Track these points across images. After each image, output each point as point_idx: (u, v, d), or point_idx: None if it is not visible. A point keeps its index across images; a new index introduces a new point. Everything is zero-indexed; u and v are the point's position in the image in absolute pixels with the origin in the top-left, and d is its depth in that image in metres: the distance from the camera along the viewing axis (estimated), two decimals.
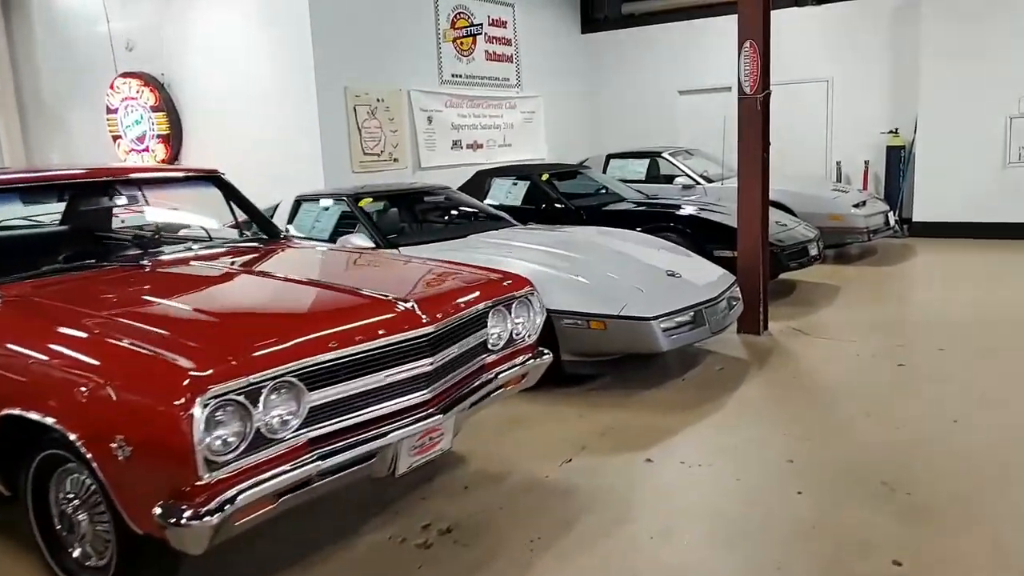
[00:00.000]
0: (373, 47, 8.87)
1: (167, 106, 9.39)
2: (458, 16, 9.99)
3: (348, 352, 2.56)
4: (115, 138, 9.93)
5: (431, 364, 2.83)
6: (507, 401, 3.64)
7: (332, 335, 2.59)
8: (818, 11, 10.70)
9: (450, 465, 3.79)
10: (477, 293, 3.27)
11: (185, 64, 9.27)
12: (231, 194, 4.39)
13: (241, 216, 4.38)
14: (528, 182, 7.78)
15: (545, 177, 7.77)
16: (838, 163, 10.76)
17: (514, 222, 6.22)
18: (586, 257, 5.07)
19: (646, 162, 9.66)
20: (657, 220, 7.05)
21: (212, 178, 4.43)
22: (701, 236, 6.76)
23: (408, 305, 2.85)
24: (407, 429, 2.74)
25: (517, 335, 3.48)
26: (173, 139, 9.47)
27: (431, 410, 2.83)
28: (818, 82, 10.81)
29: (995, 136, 9.55)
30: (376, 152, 8.96)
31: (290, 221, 6.01)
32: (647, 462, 3.73)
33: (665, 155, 9.53)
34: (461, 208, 6.46)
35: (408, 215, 6.07)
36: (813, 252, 7.05)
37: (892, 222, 8.99)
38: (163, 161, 9.55)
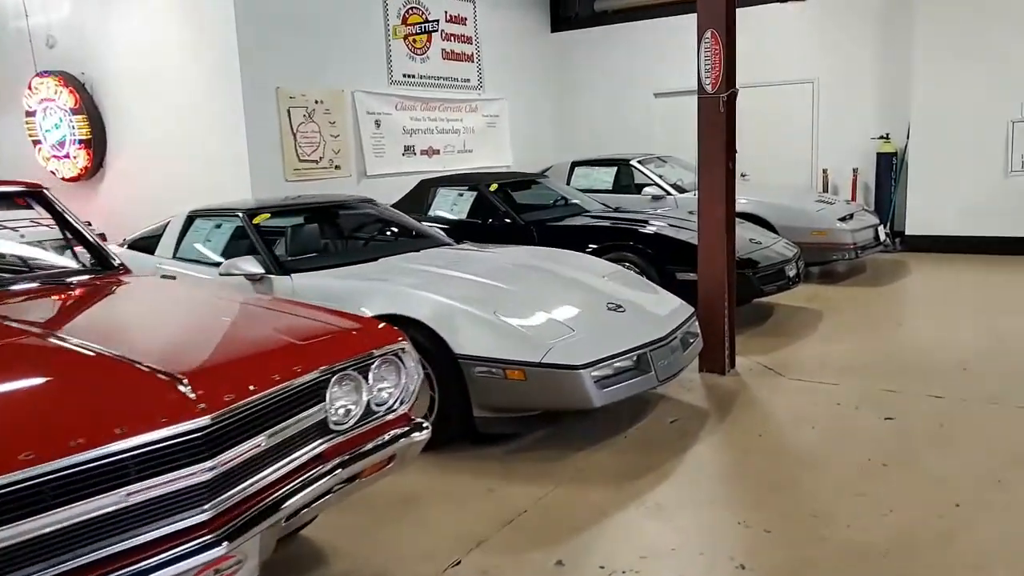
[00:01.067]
0: (311, 44, 8.04)
1: (88, 109, 8.54)
2: (410, 11, 9.16)
3: (47, 470, 1.72)
4: (35, 143, 9.08)
5: (210, 470, 1.99)
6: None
7: (31, 439, 1.75)
8: (801, 5, 9.88)
9: (300, 569, 2.95)
10: (309, 355, 2.43)
11: (107, 62, 8.43)
12: (55, 214, 3.56)
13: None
14: (475, 193, 6.96)
15: (494, 188, 6.94)
16: (824, 171, 9.94)
17: (447, 240, 5.39)
18: (514, 287, 4.23)
19: (613, 171, 8.83)
20: (614, 237, 6.23)
21: (34, 194, 3.60)
22: (663, 256, 5.93)
23: (183, 387, 2.01)
24: (167, 572, 1.89)
25: (380, 405, 2.65)
26: (95, 145, 8.61)
27: (209, 537, 1.99)
28: (802, 83, 10.00)
29: (995, 142, 8.74)
30: (314, 159, 8.12)
31: (180, 241, 5.17)
32: (557, 565, 2.88)
33: (634, 163, 8.72)
34: (384, 225, 5.62)
35: (316, 234, 5.22)
36: (791, 273, 6.22)
37: (883, 237, 8.17)
38: (84, 169, 8.70)
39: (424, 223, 6.67)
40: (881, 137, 9.58)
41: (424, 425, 2.81)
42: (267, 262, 4.55)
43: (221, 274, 4.51)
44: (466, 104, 10.01)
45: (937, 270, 8.30)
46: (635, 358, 3.92)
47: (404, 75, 9.13)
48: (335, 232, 5.26)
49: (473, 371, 3.74)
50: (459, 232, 6.70)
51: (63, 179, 8.90)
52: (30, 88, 8.82)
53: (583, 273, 4.77)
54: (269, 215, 4.97)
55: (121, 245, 5.59)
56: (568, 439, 4.04)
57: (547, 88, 11.42)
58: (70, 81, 8.54)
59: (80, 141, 8.60)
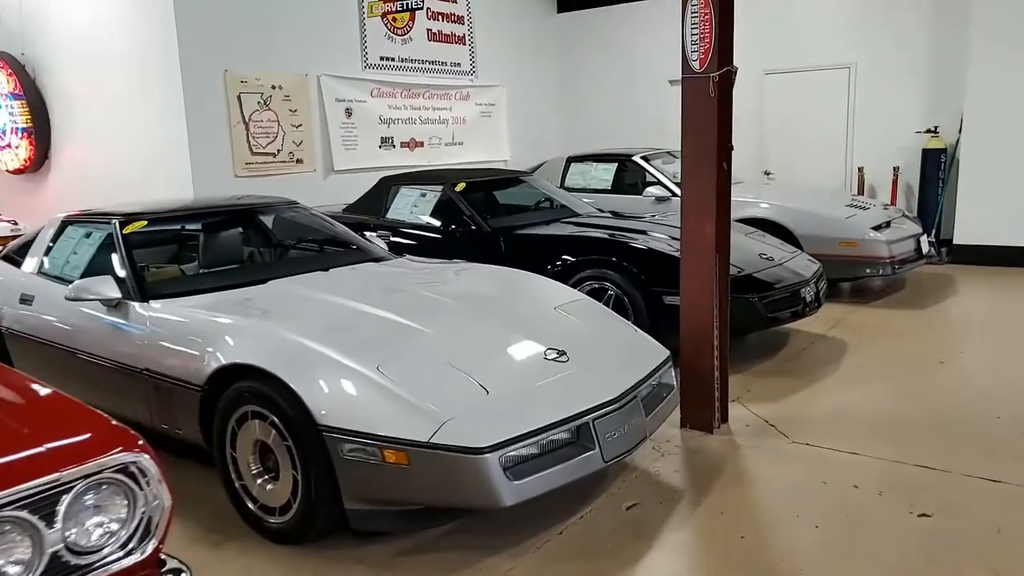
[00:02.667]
0: (267, 22, 7.09)
1: (29, 94, 7.72)
2: None
3: None
4: None
5: None
6: None
7: None
8: None
9: None
10: None
11: (47, 41, 7.59)
12: None
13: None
14: (439, 194, 5.94)
15: (460, 187, 5.90)
16: (860, 170, 8.70)
17: (380, 255, 4.39)
18: (428, 327, 3.21)
19: (613, 167, 7.73)
20: (594, 251, 5.16)
21: None
22: (650, 275, 4.86)
23: None
24: None
25: (89, 552, 1.68)
26: (38, 134, 7.81)
27: None
28: (837, 69, 8.76)
29: None
30: (270, 152, 7.18)
31: (47, 253, 4.25)
32: None
33: (637, 159, 7.60)
34: (302, 236, 4.64)
35: (204, 248, 4.26)
36: (809, 297, 5.09)
37: (926, 248, 6.95)
38: (28, 160, 7.89)
39: (376, 229, 5.73)
40: (928, 131, 8.30)
41: (181, 571, 1.82)
42: (127, 282, 3.60)
43: (68, 298, 3.57)
44: (456, 91, 8.99)
45: (991, 288, 7.05)
46: (572, 431, 2.87)
47: (382, 58, 8.14)
48: (231, 245, 4.28)
49: (341, 448, 2.73)
50: (419, 240, 5.75)
51: (7, 171, 8.11)
52: None
53: (529, 304, 3.74)
54: (146, 223, 4.01)
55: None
56: (481, 536, 3.01)
57: (551, 74, 10.33)
58: (9, 63, 7.73)
59: (22, 130, 7.79)
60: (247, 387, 2.95)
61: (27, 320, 4.03)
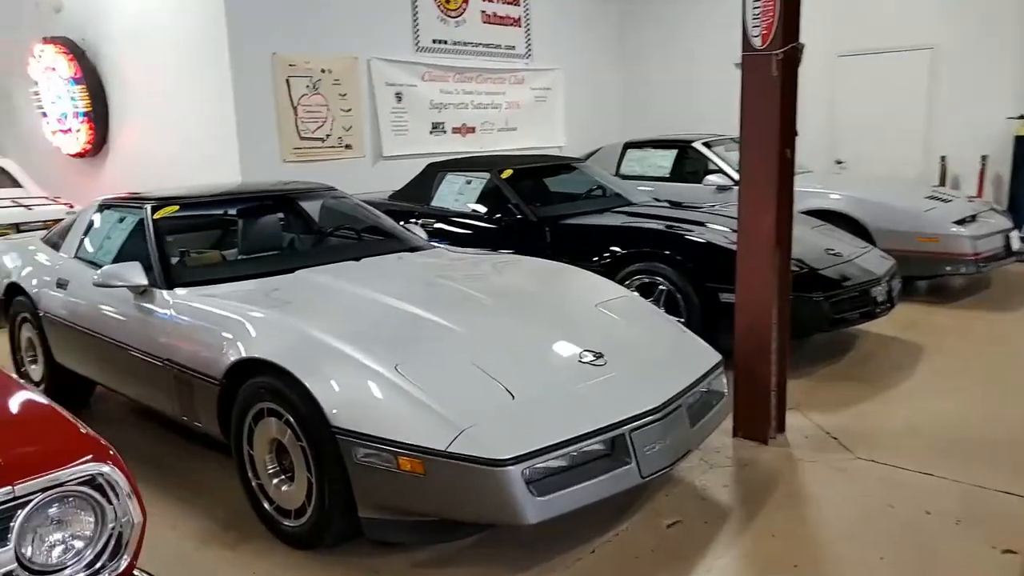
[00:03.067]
0: (317, 4, 6.96)
1: (89, 78, 7.79)
2: None
3: None
4: (43, 115, 8.44)
5: None
6: None
7: None
8: None
9: None
10: None
11: (106, 26, 7.63)
12: None
13: None
14: (485, 180, 5.72)
15: (507, 174, 5.67)
16: (942, 160, 8.10)
17: (418, 243, 4.20)
18: (457, 324, 2.98)
19: (672, 154, 7.37)
20: (647, 243, 4.87)
21: None
22: (706, 271, 4.54)
23: None
24: None
25: (48, 567, 1.53)
26: (97, 118, 7.88)
27: None
28: (918, 50, 8.16)
29: None
30: (319, 137, 7.07)
31: (84, 236, 4.19)
32: None
33: (698, 145, 7.22)
34: (339, 222, 4.47)
35: (242, 233, 4.13)
36: (881, 297, 4.69)
37: (1016, 244, 6.40)
38: (88, 144, 7.98)
39: (421, 217, 5.55)
40: (1021, 117, 7.66)
41: None
42: (155, 270, 3.49)
43: (96, 284, 3.48)
44: (511, 75, 8.73)
45: None
46: (606, 442, 2.62)
47: (434, 41, 7.94)
48: (266, 232, 4.12)
49: (355, 452, 2.54)
50: (463, 228, 5.55)
51: (68, 155, 8.23)
52: (33, 55, 8.16)
53: (568, 301, 3.49)
54: (177, 208, 3.90)
55: (43, 239, 4.67)
56: (506, 550, 2.79)
57: (609, 57, 9.97)
58: (70, 48, 7.81)
59: (82, 114, 7.87)
60: (263, 383, 2.79)
61: (62, 305, 3.98)
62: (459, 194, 5.78)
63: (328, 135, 7.11)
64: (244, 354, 2.87)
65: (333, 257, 3.82)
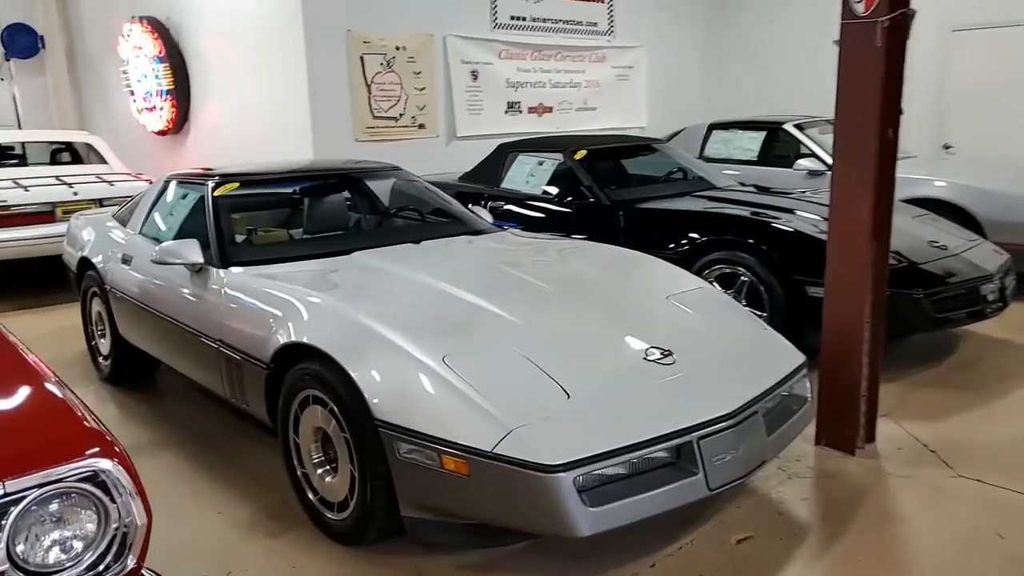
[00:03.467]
0: None
1: (172, 57, 7.91)
2: None
3: None
4: (131, 93, 8.64)
5: None
6: None
7: None
8: None
9: None
10: None
11: (190, 4, 7.71)
12: None
13: None
14: (557, 161, 5.48)
15: (581, 155, 5.41)
16: None
17: (483, 226, 4.02)
18: (515, 315, 2.78)
19: (761, 136, 6.93)
20: (728, 230, 4.54)
21: None
22: (793, 262, 4.19)
23: None
24: None
25: (45, 568, 1.42)
26: (179, 96, 7.99)
27: None
28: None
29: None
30: (392, 116, 6.95)
31: (150, 212, 4.18)
32: None
33: (788, 127, 6.76)
34: (402, 203, 4.32)
35: (304, 212, 4.03)
36: (992, 296, 4.23)
37: None
38: (170, 122, 8.12)
39: (490, 200, 5.37)
40: None
41: None
42: (212, 248, 3.42)
43: (154, 261, 3.44)
44: (591, 53, 8.42)
45: None
46: (671, 450, 2.38)
47: (512, 17, 7.70)
48: (328, 211, 4.00)
49: (398, 448, 2.38)
50: (533, 211, 5.34)
51: (153, 132, 8.41)
52: (122, 34, 8.35)
53: (638, 292, 3.23)
54: (238, 185, 3.82)
55: (115, 215, 4.71)
56: (556, 560, 2.58)
57: (696, 34, 9.49)
58: (156, 27, 7.94)
59: (166, 92, 8.01)
60: (309, 369, 2.66)
61: (125, 280, 3.97)
62: (530, 175, 5.56)
63: (401, 114, 7.00)
64: (291, 338, 2.75)
65: (392, 239, 3.67)
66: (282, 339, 2.79)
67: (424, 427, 2.32)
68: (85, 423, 1.52)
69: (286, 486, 2.91)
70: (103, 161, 7.29)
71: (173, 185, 4.13)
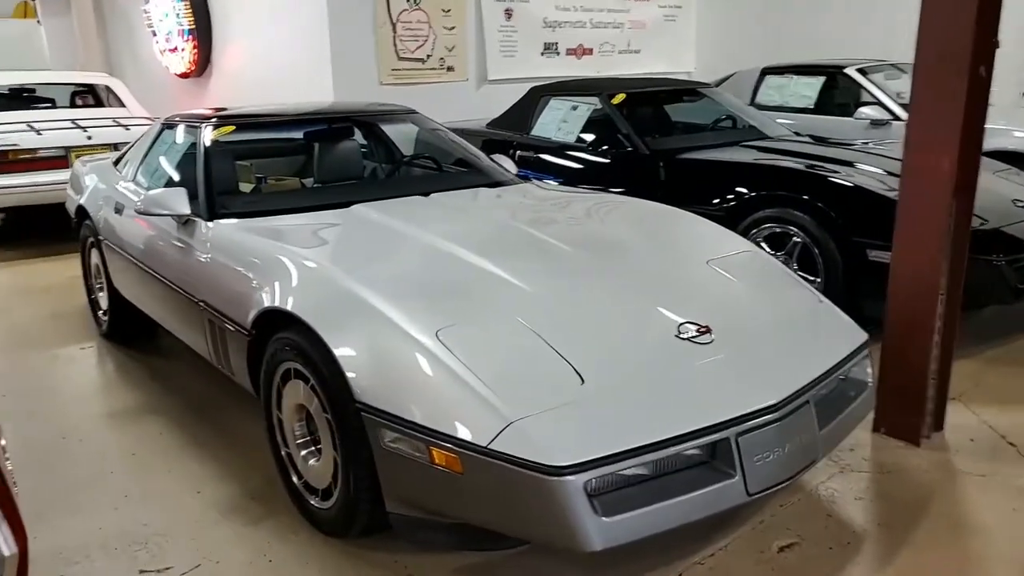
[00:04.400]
0: None
1: None
2: None
3: None
4: (153, 34, 8.33)
5: None
6: None
7: None
8: None
9: None
10: None
11: None
12: None
13: None
14: (592, 107, 5.02)
15: (619, 99, 4.93)
16: None
17: (505, 178, 3.62)
18: (526, 281, 2.40)
19: (819, 82, 6.33)
20: (779, 184, 4.06)
21: None
22: (853, 221, 3.73)
23: None
24: None
25: None
26: (201, 36, 7.65)
27: None
28: None
29: None
30: (419, 57, 6.52)
31: (144, 157, 3.87)
32: None
33: (850, 71, 6.16)
34: (416, 151, 3.94)
35: (311, 159, 3.68)
36: None
37: None
38: (192, 64, 7.80)
39: (519, 148, 4.96)
40: None
41: None
42: (201, 198, 3.09)
43: (138, 212, 3.13)
44: None
45: None
46: (704, 447, 2.00)
47: None
48: (330, 159, 3.62)
49: (382, 435, 2.04)
50: (564, 161, 4.92)
51: (176, 75, 8.11)
52: None
53: (673, 256, 2.81)
54: (233, 128, 3.47)
55: (114, 160, 4.41)
56: (564, 563, 2.25)
57: None
58: None
59: (188, 32, 7.67)
60: (289, 339, 2.33)
61: (116, 231, 3.69)
62: (563, 122, 5.11)
63: (429, 56, 6.55)
64: (270, 303, 2.42)
65: (399, 190, 3.29)
66: (261, 304, 2.46)
67: (411, 414, 1.97)
68: None
69: (272, 465, 2.62)
70: (121, 104, 7.03)
71: (169, 129, 3.80)
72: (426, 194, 3.24)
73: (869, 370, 2.52)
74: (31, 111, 6.70)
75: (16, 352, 4.03)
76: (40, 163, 5.82)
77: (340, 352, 2.13)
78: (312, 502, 2.42)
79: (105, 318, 4.14)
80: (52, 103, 7.78)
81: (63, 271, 5.45)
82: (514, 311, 2.23)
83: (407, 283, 2.36)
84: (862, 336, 2.53)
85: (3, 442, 1.54)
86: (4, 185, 5.72)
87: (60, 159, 5.88)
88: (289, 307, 2.31)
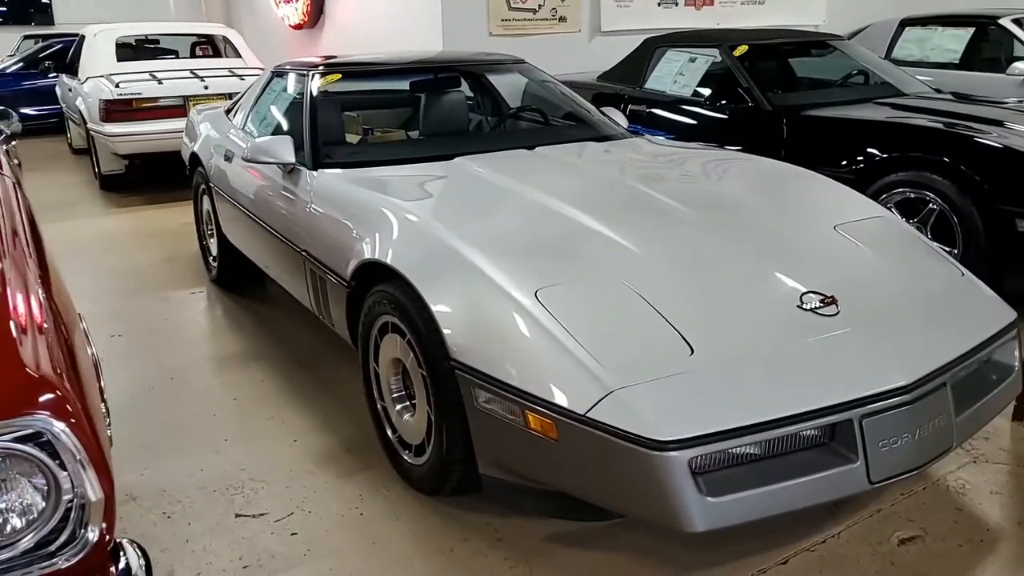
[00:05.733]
0: None
1: None
2: None
3: None
4: None
5: None
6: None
7: None
8: None
9: None
10: None
11: None
12: None
13: None
14: (711, 59, 4.73)
15: (741, 51, 4.62)
16: None
17: (614, 132, 3.45)
18: (636, 244, 2.25)
19: (967, 34, 5.76)
20: (916, 145, 3.71)
21: None
22: (999, 186, 3.37)
23: None
24: None
25: None
26: None
27: None
28: None
29: None
30: (530, 7, 6.33)
31: (254, 105, 3.90)
32: None
33: (1005, 21, 5.56)
34: (523, 102, 3.81)
35: (418, 110, 3.61)
36: None
37: None
38: (306, 15, 7.88)
39: (631, 102, 4.76)
40: None
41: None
42: (306, 147, 3.08)
43: (244, 159, 3.15)
44: None
45: None
46: (823, 428, 1.82)
47: None
48: (435, 109, 3.53)
49: (476, 395, 1.97)
50: (679, 116, 4.69)
51: (290, 26, 8.23)
52: None
53: (798, 219, 2.59)
54: (340, 76, 3.43)
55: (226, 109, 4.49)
56: (664, 544, 2.12)
57: None
58: None
59: None
60: (387, 292, 2.28)
61: (225, 178, 3.74)
62: (679, 75, 4.84)
63: (540, 5, 6.35)
64: (370, 255, 2.37)
65: (504, 143, 3.18)
66: (362, 255, 2.42)
67: (506, 376, 1.88)
68: (27, 371, 1.19)
69: (368, 418, 2.61)
70: (238, 55, 7.19)
71: (278, 77, 3.81)
72: (531, 147, 3.11)
73: (1016, 353, 2.25)
74: (153, 61, 6.95)
75: (132, 295, 4.20)
76: (161, 112, 6.03)
77: (437, 308, 2.06)
78: (405, 457, 2.39)
79: (215, 264, 4.25)
80: (176, 54, 8.07)
81: (179, 217, 5.67)
82: (620, 273, 2.09)
83: (507, 240, 2.25)
84: (1010, 315, 2.26)
85: (103, 383, 1.54)
86: (129, 132, 5.96)
87: (179, 108, 6.06)
88: (388, 260, 2.26)
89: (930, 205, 3.55)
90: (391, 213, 2.46)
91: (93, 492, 1.14)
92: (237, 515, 2.25)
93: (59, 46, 9.70)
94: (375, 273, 2.38)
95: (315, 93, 3.26)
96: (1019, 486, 2.36)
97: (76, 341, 1.46)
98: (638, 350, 1.86)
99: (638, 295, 2.00)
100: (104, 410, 1.43)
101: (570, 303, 1.96)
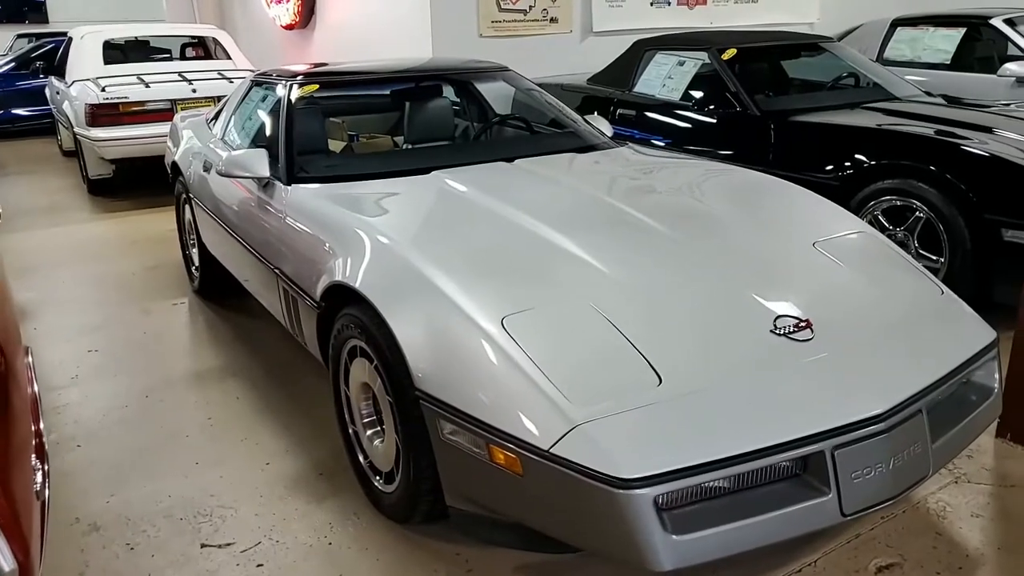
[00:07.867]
0: None
1: None
2: None
3: None
4: None
5: None
6: None
7: None
8: None
9: None
10: None
11: None
12: None
13: None
14: (700, 62, 4.67)
15: (730, 54, 4.56)
16: None
17: (596, 141, 3.40)
18: (606, 264, 2.21)
19: (958, 34, 5.69)
20: (903, 152, 3.65)
21: None
22: (986, 195, 3.32)
23: None
24: None
25: None
26: None
27: None
28: None
29: None
30: (521, 8, 6.25)
31: (232, 115, 3.85)
32: None
33: (996, 21, 5.49)
34: (505, 110, 3.75)
35: (399, 120, 3.57)
36: None
37: None
38: (297, 15, 7.81)
39: (619, 106, 4.71)
40: None
41: None
42: (280, 160, 3.03)
43: (220, 173, 3.11)
44: None
45: None
46: (795, 461, 1.78)
47: None
48: (417, 120, 3.48)
49: (441, 426, 1.93)
50: (667, 120, 4.63)
51: (282, 27, 8.16)
52: None
53: (775, 235, 2.54)
54: (317, 87, 3.38)
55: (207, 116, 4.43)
56: (632, 570, 2.09)
57: None
58: None
59: None
60: (354, 316, 2.24)
61: (203, 189, 3.70)
62: (667, 78, 4.79)
63: (531, 6, 6.28)
64: (338, 276, 2.33)
65: (483, 155, 3.13)
66: (332, 275, 2.37)
67: (470, 407, 1.84)
68: None
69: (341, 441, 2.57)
70: (227, 57, 7.13)
71: (257, 87, 3.75)
72: (511, 160, 3.06)
73: (996, 375, 2.20)
74: (141, 64, 6.90)
75: (113, 306, 4.16)
76: (148, 115, 5.98)
77: (402, 335, 2.02)
78: (376, 484, 2.35)
79: (197, 274, 4.21)
80: (169, 53, 8.00)
81: (166, 223, 5.61)
82: (590, 297, 2.05)
83: (477, 262, 2.20)
84: (989, 335, 2.21)
85: (41, 425, 1.50)
86: (115, 137, 5.91)
87: (167, 111, 6.01)
88: (355, 283, 2.21)
89: (916, 213, 3.50)
90: (362, 232, 2.41)
91: (7, 563, 1.10)
92: (203, 545, 2.21)
93: (51, 46, 9.65)
94: (344, 295, 2.34)
95: (291, 105, 3.21)
96: (1000, 508, 2.32)
97: (10, 383, 1.41)
98: (605, 381, 1.81)
99: (607, 320, 1.96)
100: (35, 460, 1.38)
101: (536, 332, 1.91)
